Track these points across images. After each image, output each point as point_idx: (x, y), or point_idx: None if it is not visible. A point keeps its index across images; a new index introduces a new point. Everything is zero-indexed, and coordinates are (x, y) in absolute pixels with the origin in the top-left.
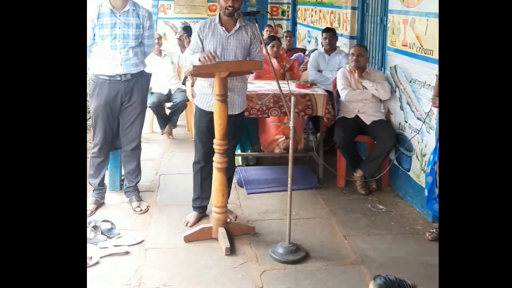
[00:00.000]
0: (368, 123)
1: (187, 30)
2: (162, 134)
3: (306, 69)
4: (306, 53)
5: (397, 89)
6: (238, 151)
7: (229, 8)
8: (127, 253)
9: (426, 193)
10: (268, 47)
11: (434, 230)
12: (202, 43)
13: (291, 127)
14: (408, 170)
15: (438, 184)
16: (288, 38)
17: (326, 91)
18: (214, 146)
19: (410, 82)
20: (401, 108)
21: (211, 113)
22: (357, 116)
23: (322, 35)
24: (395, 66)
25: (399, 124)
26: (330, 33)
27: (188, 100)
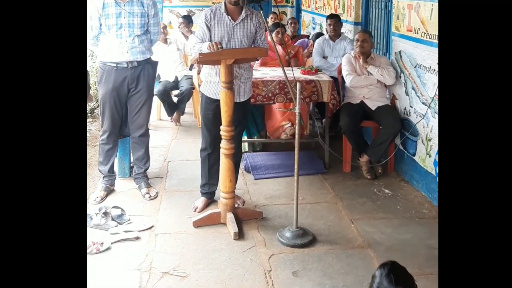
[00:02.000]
0: (373, 108)
1: (187, 18)
2: (171, 122)
3: (311, 53)
4: (310, 37)
5: (402, 75)
6: (245, 138)
7: None
8: (137, 238)
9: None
10: (273, 34)
11: None
12: (209, 31)
13: (297, 113)
14: (414, 155)
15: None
16: (292, 25)
17: (331, 77)
18: (221, 132)
19: (415, 67)
20: (406, 93)
21: (217, 100)
22: (362, 102)
23: (326, 22)
24: (400, 52)
25: (404, 109)
26: (335, 19)
27: (194, 88)
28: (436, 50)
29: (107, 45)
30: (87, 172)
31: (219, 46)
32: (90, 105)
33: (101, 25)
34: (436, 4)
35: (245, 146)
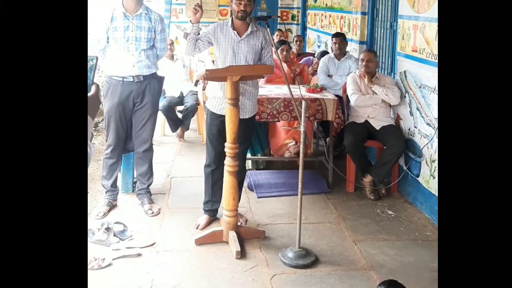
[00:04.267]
0: (377, 128)
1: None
2: (176, 137)
3: (315, 71)
4: (315, 55)
5: (406, 95)
6: (248, 155)
7: (242, 12)
8: (139, 255)
9: None
10: (278, 51)
11: None
12: (208, 39)
13: (301, 132)
14: (418, 176)
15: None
16: (298, 43)
17: (336, 96)
18: (226, 149)
19: (420, 87)
20: (411, 113)
21: (222, 116)
22: (366, 121)
23: (332, 40)
24: (404, 72)
25: (409, 129)
26: (340, 38)
27: (199, 104)
28: None
29: (114, 58)
30: (89, 187)
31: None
32: (97, 119)
33: (108, 38)
34: None
35: (248, 164)
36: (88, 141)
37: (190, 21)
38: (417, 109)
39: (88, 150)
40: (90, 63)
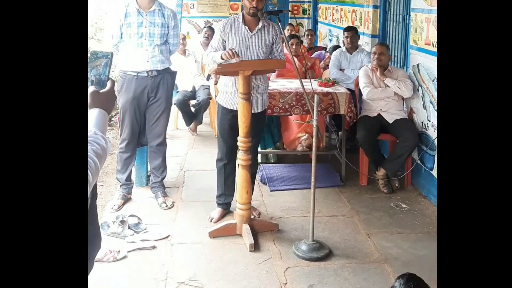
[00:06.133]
0: (390, 121)
1: (212, 30)
2: (189, 131)
3: (327, 66)
4: (327, 50)
5: (419, 88)
6: (260, 149)
7: (253, 9)
8: (153, 247)
9: None
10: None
11: None
12: (223, 41)
13: (314, 126)
14: (431, 169)
15: None
16: (309, 37)
17: (348, 89)
18: (238, 143)
19: (433, 81)
20: (424, 106)
21: (234, 111)
22: (379, 115)
23: (344, 34)
24: (417, 65)
25: (422, 122)
26: (352, 32)
27: (211, 98)
28: None
29: (128, 54)
30: (104, 180)
31: (234, 52)
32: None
33: (121, 34)
34: None
35: (258, 158)
36: (105, 135)
37: (221, 57)
38: (430, 102)
39: (105, 144)
40: (105, 59)
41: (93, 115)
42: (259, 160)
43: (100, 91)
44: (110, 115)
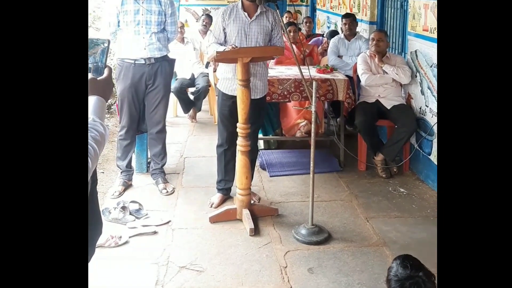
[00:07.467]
0: (388, 107)
1: (210, 18)
2: (188, 118)
3: (325, 51)
4: (324, 35)
5: (417, 74)
6: (260, 135)
7: None
8: (155, 233)
9: None
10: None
11: None
12: (223, 29)
13: (313, 111)
14: (429, 154)
15: None
16: (307, 24)
17: (347, 76)
18: (238, 129)
19: (431, 66)
20: (422, 92)
21: (234, 97)
22: (377, 101)
23: (342, 21)
24: (415, 51)
25: (420, 108)
26: (350, 19)
27: (210, 85)
28: None
29: (125, 42)
30: (104, 168)
31: (235, 48)
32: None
33: (119, 22)
34: None
35: (260, 144)
36: (103, 122)
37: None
38: (428, 88)
39: (103, 131)
40: (102, 46)
41: (91, 102)
42: (262, 146)
43: (98, 79)
44: (109, 103)
